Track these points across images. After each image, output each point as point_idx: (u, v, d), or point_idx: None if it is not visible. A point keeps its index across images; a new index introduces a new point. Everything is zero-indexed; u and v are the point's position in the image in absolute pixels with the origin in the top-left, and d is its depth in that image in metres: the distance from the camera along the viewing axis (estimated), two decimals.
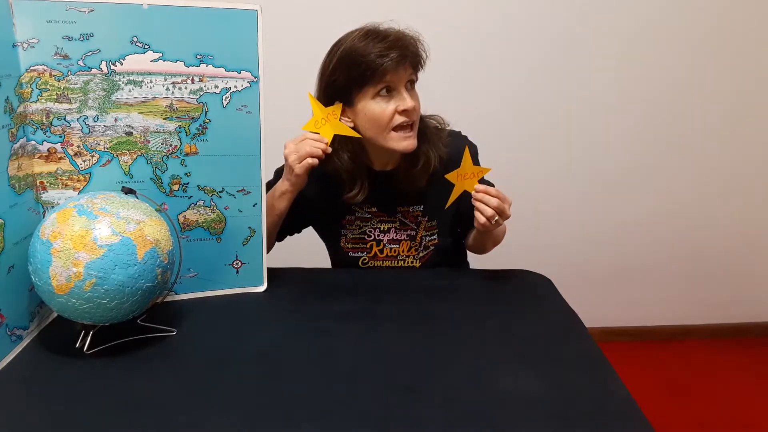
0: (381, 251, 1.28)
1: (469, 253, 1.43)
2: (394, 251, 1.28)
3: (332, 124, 1.11)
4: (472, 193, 1.11)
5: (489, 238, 1.27)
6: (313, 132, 1.12)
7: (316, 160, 1.10)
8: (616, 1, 2.07)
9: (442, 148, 1.21)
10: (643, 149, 2.24)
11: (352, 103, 1.13)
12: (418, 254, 1.29)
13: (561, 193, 2.26)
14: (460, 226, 1.32)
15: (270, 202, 1.18)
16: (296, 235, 1.38)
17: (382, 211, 1.27)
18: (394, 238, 1.28)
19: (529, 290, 1.18)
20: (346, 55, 1.11)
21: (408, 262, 1.29)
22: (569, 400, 0.80)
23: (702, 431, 1.90)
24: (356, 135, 1.14)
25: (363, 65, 1.09)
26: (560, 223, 2.30)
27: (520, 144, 2.17)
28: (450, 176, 1.12)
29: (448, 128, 1.26)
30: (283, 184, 1.17)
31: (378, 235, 1.28)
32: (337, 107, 1.12)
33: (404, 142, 1.13)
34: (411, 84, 1.14)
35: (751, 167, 2.30)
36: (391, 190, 1.24)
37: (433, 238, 1.29)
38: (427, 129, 1.22)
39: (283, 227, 1.28)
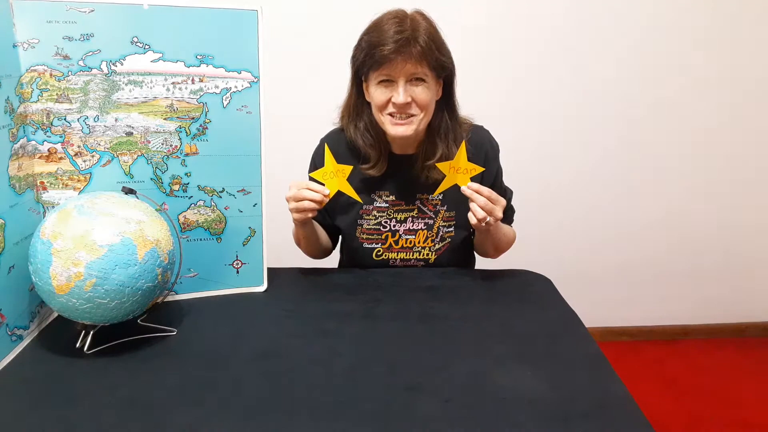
0: (396, 242, 1.28)
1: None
2: (410, 242, 1.28)
3: (339, 180, 1.14)
4: (462, 188, 1.11)
5: (488, 240, 1.27)
6: (319, 181, 1.14)
7: (312, 205, 1.12)
8: (624, 4, 2.07)
9: (455, 147, 1.22)
10: (643, 150, 2.24)
11: (367, 80, 1.17)
12: (434, 245, 1.28)
13: (561, 193, 2.26)
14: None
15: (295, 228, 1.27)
16: None
17: (401, 199, 1.27)
18: (411, 228, 1.27)
19: (529, 290, 1.18)
20: (363, 35, 1.15)
21: (423, 255, 1.28)
22: (569, 400, 0.80)
23: (701, 431, 1.90)
24: (358, 199, 1.17)
25: (366, 51, 1.12)
26: (560, 223, 2.30)
27: (520, 145, 2.17)
28: (441, 166, 1.13)
29: (472, 122, 1.29)
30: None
31: (394, 225, 1.27)
32: (348, 168, 1.14)
33: (394, 128, 1.16)
34: (418, 80, 1.13)
35: (751, 167, 2.30)
36: (411, 175, 1.26)
37: (450, 230, 1.28)
38: (443, 124, 1.22)
39: (325, 229, 1.34)
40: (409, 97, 1.12)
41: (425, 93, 1.13)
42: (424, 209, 1.27)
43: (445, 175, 1.13)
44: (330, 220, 1.33)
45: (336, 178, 1.13)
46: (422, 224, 1.27)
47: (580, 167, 2.24)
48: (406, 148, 1.26)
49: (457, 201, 1.24)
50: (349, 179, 1.14)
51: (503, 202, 1.13)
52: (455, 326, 1.02)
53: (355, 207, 1.27)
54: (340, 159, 1.17)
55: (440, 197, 1.26)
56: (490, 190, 1.12)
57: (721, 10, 2.10)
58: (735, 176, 2.30)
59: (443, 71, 1.16)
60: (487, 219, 1.11)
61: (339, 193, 1.15)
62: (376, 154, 1.23)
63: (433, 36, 1.13)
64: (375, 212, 1.27)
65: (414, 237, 1.28)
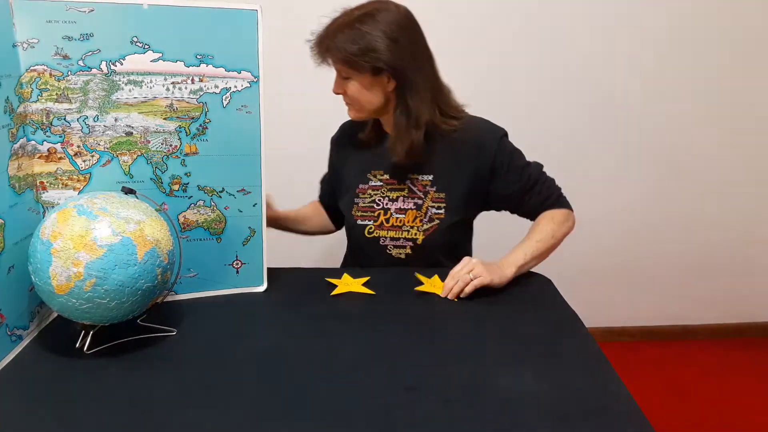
0: (387, 220, 1.31)
1: (473, 243, 1.43)
2: (400, 221, 1.31)
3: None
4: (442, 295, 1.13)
5: (543, 258, 1.31)
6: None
7: None
8: (622, 4, 2.07)
9: (415, 133, 1.23)
10: (643, 150, 2.24)
11: None
12: (423, 225, 1.30)
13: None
14: (495, 207, 1.35)
15: None
16: (296, 235, 1.38)
17: (393, 178, 1.32)
18: (401, 207, 1.31)
19: (529, 290, 1.18)
20: None
21: (412, 234, 1.30)
22: (569, 400, 0.80)
23: (702, 431, 1.90)
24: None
25: None
26: None
27: (520, 144, 2.17)
28: (423, 287, 1.16)
29: (467, 114, 1.32)
30: None
31: (386, 204, 1.32)
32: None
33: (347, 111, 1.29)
34: (345, 74, 1.21)
35: (751, 167, 2.30)
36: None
37: (439, 211, 1.29)
38: (401, 112, 1.23)
39: (332, 210, 1.46)
40: (340, 89, 1.23)
41: (352, 87, 1.21)
42: (414, 189, 1.30)
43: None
44: (336, 203, 1.41)
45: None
46: (412, 204, 1.30)
47: (579, 167, 2.23)
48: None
49: (448, 183, 1.28)
50: (349, 161, 1.20)
51: (471, 266, 1.12)
52: (455, 326, 1.02)
53: (353, 187, 1.34)
54: (348, 140, 1.30)
55: (431, 178, 1.29)
56: (455, 281, 1.12)
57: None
58: (735, 176, 2.30)
59: (375, 70, 1.18)
60: (466, 287, 1.11)
61: (342, 174, 1.19)
62: (371, 123, 1.34)
63: (355, 36, 1.15)
64: (370, 191, 1.33)
65: (404, 216, 1.31)
